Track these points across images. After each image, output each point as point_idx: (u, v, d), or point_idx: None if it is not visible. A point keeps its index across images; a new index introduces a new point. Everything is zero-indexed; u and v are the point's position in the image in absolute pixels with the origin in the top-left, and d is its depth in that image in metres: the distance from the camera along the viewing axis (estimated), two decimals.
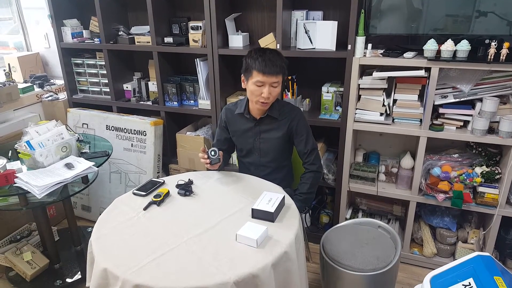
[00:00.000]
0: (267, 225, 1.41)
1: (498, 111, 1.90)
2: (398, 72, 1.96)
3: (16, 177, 1.80)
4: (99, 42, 2.58)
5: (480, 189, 2.01)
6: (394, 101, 2.09)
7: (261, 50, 1.69)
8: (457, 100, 1.96)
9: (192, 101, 2.56)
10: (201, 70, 2.39)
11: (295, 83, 2.26)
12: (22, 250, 2.19)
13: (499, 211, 1.99)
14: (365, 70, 2.16)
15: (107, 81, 2.69)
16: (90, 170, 1.94)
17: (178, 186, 1.74)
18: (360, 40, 2.00)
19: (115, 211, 1.57)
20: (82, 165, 1.94)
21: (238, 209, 1.56)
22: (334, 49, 2.09)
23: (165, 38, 2.44)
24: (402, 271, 2.22)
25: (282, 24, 2.09)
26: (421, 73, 1.92)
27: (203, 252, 1.29)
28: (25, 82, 2.97)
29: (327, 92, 2.25)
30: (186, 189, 1.69)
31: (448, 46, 1.85)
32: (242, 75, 1.74)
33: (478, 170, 2.00)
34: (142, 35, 2.49)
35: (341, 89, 2.20)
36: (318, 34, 2.11)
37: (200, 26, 2.32)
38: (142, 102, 2.66)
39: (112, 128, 2.61)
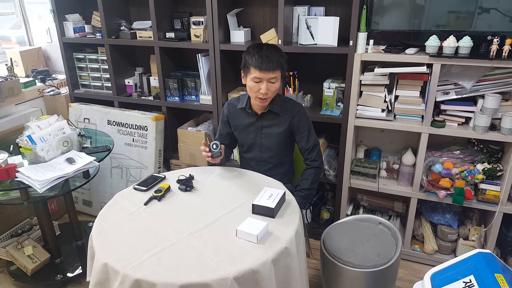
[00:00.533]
0: (267, 220, 1.41)
1: (500, 107, 1.89)
2: (400, 68, 1.95)
3: (18, 171, 1.81)
4: (101, 37, 2.58)
5: (482, 186, 2.01)
6: (396, 97, 2.08)
7: (258, 46, 1.68)
8: (459, 96, 1.95)
9: (193, 97, 2.56)
10: (203, 65, 2.38)
11: (296, 79, 2.25)
12: (23, 245, 2.20)
13: (500, 208, 1.99)
14: (367, 66, 2.15)
15: (108, 76, 2.69)
16: (91, 165, 1.95)
17: (179, 181, 1.74)
18: (362, 36, 1.99)
19: (115, 206, 1.58)
20: (83, 160, 1.94)
21: (238, 204, 1.56)
22: (336, 45, 2.08)
23: (166, 33, 2.43)
24: (402, 268, 2.23)
25: (284, 19, 2.08)
26: (423, 69, 1.91)
27: (203, 247, 1.30)
28: (27, 76, 2.97)
29: (329, 88, 2.24)
30: (187, 184, 1.69)
31: (450, 42, 1.84)
32: (241, 71, 1.74)
33: (479, 167, 1.99)
34: (144, 30, 2.49)
35: (343, 85, 2.19)
36: (320, 30, 2.10)
37: (202, 22, 2.31)
38: (143, 97, 2.66)
39: (114, 123, 2.62)
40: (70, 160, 1.93)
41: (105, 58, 2.64)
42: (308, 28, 2.12)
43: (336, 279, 1.73)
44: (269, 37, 2.20)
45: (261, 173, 1.81)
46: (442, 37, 1.86)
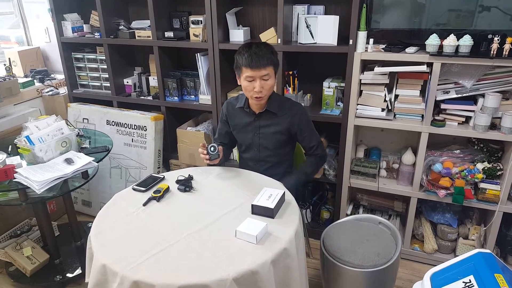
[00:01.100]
0: (267, 221, 1.41)
1: (500, 107, 1.88)
2: (400, 67, 1.94)
3: (16, 172, 1.80)
4: (99, 36, 2.57)
5: (482, 185, 2.00)
6: (396, 96, 2.08)
7: (247, 45, 1.67)
8: (459, 95, 1.94)
9: (192, 96, 2.55)
10: (202, 65, 2.37)
11: (296, 78, 2.24)
12: (22, 245, 2.19)
13: (500, 207, 1.98)
14: (367, 65, 2.14)
15: (107, 76, 2.68)
16: (90, 165, 1.94)
17: (178, 181, 1.73)
18: (362, 35, 1.98)
19: (114, 206, 1.57)
20: (82, 161, 1.94)
21: (238, 205, 1.55)
22: (336, 44, 2.07)
23: (165, 33, 2.42)
24: (402, 267, 2.22)
25: (283, 18, 2.07)
26: (423, 68, 1.90)
27: (202, 248, 1.29)
28: (26, 76, 2.96)
29: (328, 88, 2.23)
30: (186, 184, 1.68)
31: (450, 41, 1.83)
32: (235, 72, 1.74)
33: (479, 166, 1.99)
34: (143, 30, 2.48)
35: (343, 84, 2.19)
36: (320, 29, 2.09)
37: (201, 21, 2.30)
38: (142, 97, 2.65)
39: (113, 123, 2.61)
40: (69, 161, 1.92)
41: (104, 57, 2.63)
42: (307, 27, 2.11)
43: (336, 279, 1.72)
44: (269, 36, 2.19)
45: (260, 172, 1.80)
46: (443, 35, 1.85)
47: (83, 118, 2.71)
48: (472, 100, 1.97)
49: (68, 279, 2.13)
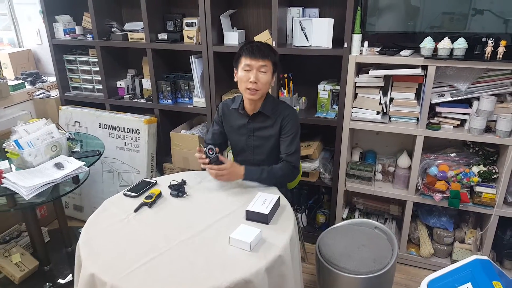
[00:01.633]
0: (261, 227, 1.38)
1: (495, 110, 1.87)
2: (395, 70, 1.92)
3: (4, 177, 1.76)
4: (91, 38, 2.53)
5: (477, 188, 1.99)
6: (391, 99, 2.06)
7: (250, 41, 1.73)
8: (454, 98, 1.93)
9: (186, 99, 2.52)
10: (196, 67, 2.35)
11: (291, 81, 2.22)
12: (10, 252, 2.15)
13: (496, 211, 1.97)
14: (362, 68, 2.13)
15: (100, 78, 2.64)
16: (80, 170, 1.90)
17: (170, 186, 1.70)
18: (357, 38, 1.96)
19: (105, 213, 1.53)
20: (72, 165, 1.90)
21: (231, 210, 1.52)
22: (331, 47, 2.05)
23: (159, 35, 2.39)
24: (398, 272, 2.20)
25: (278, 21, 2.05)
26: (418, 71, 1.89)
27: (195, 255, 1.26)
28: (17, 79, 2.91)
29: (324, 90, 2.21)
30: (178, 190, 1.65)
31: (445, 44, 1.82)
32: (234, 67, 1.73)
33: (475, 169, 1.97)
34: (136, 32, 2.44)
35: (338, 87, 2.17)
36: (314, 32, 2.07)
37: (195, 23, 2.27)
38: (135, 100, 2.61)
39: (105, 126, 2.57)
40: (59, 165, 1.88)
41: (96, 60, 2.59)
42: (302, 29, 2.09)
43: (332, 285, 1.69)
44: (263, 38, 2.16)
45: None
46: (437, 38, 1.84)
47: (75, 121, 2.67)
48: (467, 103, 1.96)
49: (58, 286, 2.08)
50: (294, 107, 2.19)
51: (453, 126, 1.99)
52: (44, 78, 2.98)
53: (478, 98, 1.90)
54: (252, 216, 1.45)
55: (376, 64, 2.03)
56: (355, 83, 2.05)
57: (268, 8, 2.10)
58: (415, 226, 2.31)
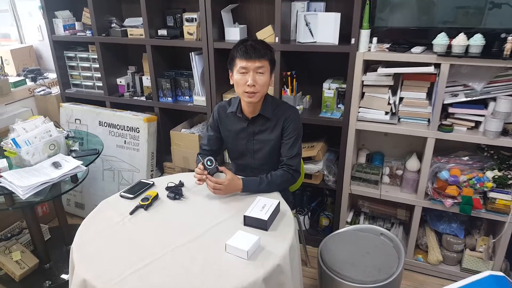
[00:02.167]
0: (259, 234, 1.31)
1: None
2: (406, 69, 1.83)
3: (1, 176, 1.71)
4: (91, 34, 2.47)
5: (491, 194, 1.88)
6: (400, 99, 1.97)
7: (243, 39, 1.61)
8: (469, 99, 1.82)
9: (187, 97, 2.45)
10: (196, 64, 2.27)
11: (294, 79, 2.13)
12: (11, 250, 2.13)
13: (511, 218, 1.86)
14: (370, 66, 2.03)
15: (100, 75, 2.58)
16: (78, 169, 1.85)
17: (167, 188, 1.64)
18: (365, 34, 1.86)
19: (100, 215, 1.48)
20: (70, 164, 1.85)
21: (229, 215, 1.45)
22: (337, 43, 1.96)
23: (158, 31, 2.32)
24: (405, 279, 2.11)
25: (282, 16, 1.96)
26: (430, 69, 1.78)
27: (190, 263, 1.20)
28: (18, 75, 2.87)
29: (329, 89, 2.12)
30: (175, 192, 1.59)
31: (460, 40, 1.72)
32: (229, 70, 1.63)
33: (489, 174, 1.87)
34: (136, 28, 2.38)
35: (344, 85, 2.07)
36: (320, 27, 1.98)
37: (195, 18, 2.20)
38: (136, 98, 2.55)
39: (105, 124, 2.52)
40: (56, 165, 1.83)
41: (96, 56, 2.53)
42: (307, 25, 2.00)
43: None
44: (266, 34, 2.08)
45: None
46: (451, 34, 1.74)
47: (75, 119, 2.62)
48: (483, 104, 1.84)
49: (57, 285, 2.06)
50: (298, 106, 2.12)
51: (467, 128, 1.88)
52: (45, 74, 2.94)
53: (494, 99, 1.79)
54: (250, 222, 1.37)
55: (385, 61, 1.93)
56: (363, 81, 1.96)
57: (271, 2, 2.00)
58: (423, 232, 2.21)
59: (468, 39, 1.70)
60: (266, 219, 1.35)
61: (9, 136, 1.90)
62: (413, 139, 2.12)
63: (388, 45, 1.91)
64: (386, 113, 1.97)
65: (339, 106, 2.14)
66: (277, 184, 1.62)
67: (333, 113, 2.12)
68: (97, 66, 2.57)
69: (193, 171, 1.63)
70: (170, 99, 2.43)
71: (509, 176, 1.84)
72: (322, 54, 2.14)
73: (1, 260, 2.09)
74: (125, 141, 2.47)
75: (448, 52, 1.75)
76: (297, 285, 1.36)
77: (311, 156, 2.14)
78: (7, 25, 3.20)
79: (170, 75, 2.43)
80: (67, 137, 2.05)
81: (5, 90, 2.56)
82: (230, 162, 1.95)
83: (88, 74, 2.68)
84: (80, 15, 2.61)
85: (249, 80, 1.53)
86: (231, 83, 1.63)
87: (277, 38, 2.00)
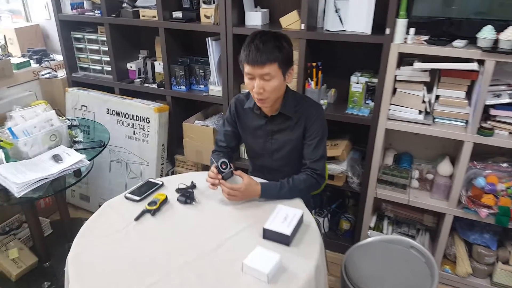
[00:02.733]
0: (280, 249, 1.16)
1: None
2: (446, 64, 1.63)
3: None
4: (100, 14, 2.30)
5: None
6: (436, 97, 1.77)
7: (253, 35, 1.36)
8: None
9: (202, 86, 2.28)
10: (213, 51, 2.09)
11: (320, 71, 1.94)
12: (8, 246, 2.01)
13: None
14: (403, 59, 1.83)
15: (109, 59, 2.42)
16: (80, 164, 1.72)
17: (178, 190, 1.49)
18: (401, 24, 1.66)
19: (101, 219, 1.34)
20: (72, 158, 1.71)
21: (246, 225, 1.30)
22: (369, 33, 1.76)
23: (173, 13, 2.14)
24: None
25: (308, 0, 1.76)
26: (474, 66, 1.59)
27: (201, 282, 1.06)
28: (23, 56, 2.72)
29: (357, 83, 1.93)
30: (186, 195, 1.44)
31: (509, 34, 1.51)
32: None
33: None
34: (148, 9, 2.20)
35: (374, 80, 1.89)
36: (351, 14, 1.78)
37: (213, 0, 2.00)
38: (147, 85, 2.39)
39: (113, 113, 2.37)
40: (57, 158, 1.70)
41: (105, 39, 2.36)
42: (336, 11, 1.80)
43: None
44: (290, 20, 1.88)
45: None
46: (499, 28, 1.53)
47: (82, 105, 2.48)
48: None
49: (57, 286, 1.94)
50: (321, 101, 1.95)
51: (509, 133, 1.69)
52: (52, 56, 2.79)
53: None
54: (270, 236, 1.22)
55: (421, 55, 1.73)
56: (395, 76, 1.77)
57: None
58: (451, 241, 2.05)
59: None
60: (289, 234, 1.20)
61: (6, 124, 1.76)
62: (445, 140, 1.92)
63: (426, 37, 1.71)
64: (420, 112, 1.79)
65: (367, 102, 1.96)
66: (299, 190, 1.46)
67: (361, 110, 1.94)
68: (106, 49, 2.41)
69: (207, 166, 1.47)
70: (183, 87, 2.26)
71: None
72: (352, 44, 1.93)
73: None
74: (134, 131, 2.32)
75: (494, 48, 1.55)
76: None
77: (334, 155, 1.97)
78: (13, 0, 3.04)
79: (184, 62, 2.26)
80: (70, 127, 1.91)
81: (7, 71, 2.41)
82: (246, 158, 1.79)
83: (97, 57, 2.52)
84: None
85: (255, 87, 1.36)
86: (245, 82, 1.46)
87: (302, 25, 1.80)
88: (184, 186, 1.51)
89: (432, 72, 1.74)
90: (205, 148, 2.20)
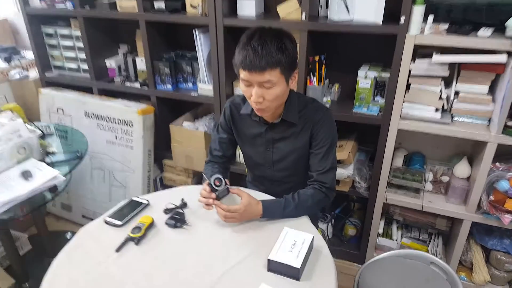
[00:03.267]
0: (289, 285, 0.97)
1: None
2: (471, 57, 1.44)
3: None
4: (72, 7, 2.04)
5: None
6: (456, 93, 1.58)
7: (250, 34, 1.14)
8: None
9: (190, 84, 2.05)
10: (201, 45, 1.86)
11: (323, 66, 1.73)
12: None
13: None
14: (417, 50, 1.62)
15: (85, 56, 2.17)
16: (53, 181, 1.49)
17: (167, 211, 1.29)
18: (418, 11, 1.45)
19: (77, 251, 1.14)
20: (44, 174, 1.49)
21: (248, 252, 1.11)
22: (380, 22, 1.54)
23: (155, 2, 1.90)
24: None
25: None
26: (503, 58, 1.39)
27: None
28: None
29: (365, 78, 1.72)
30: (176, 218, 1.24)
31: None
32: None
33: None
34: None
35: (384, 74, 1.69)
36: (359, 1, 1.56)
37: None
38: (128, 84, 2.15)
39: (92, 116, 2.13)
40: (26, 175, 1.47)
41: (80, 34, 2.11)
42: None
43: None
44: (289, 9, 1.66)
45: (278, 193, 1.34)
46: None
47: (58, 108, 2.23)
48: None
49: None
50: (324, 98, 1.75)
51: None
52: (22, 53, 2.52)
53: None
54: (276, 268, 1.04)
55: (439, 46, 1.52)
56: (410, 70, 1.57)
57: None
58: (467, 246, 1.89)
59: None
60: (299, 266, 1.01)
61: None
62: (461, 139, 1.74)
63: (445, 26, 1.51)
64: (437, 109, 1.60)
65: (375, 99, 1.76)
66: (307, 207, 1.27)
67: (369, 108, 1.74)
68: (82, 45, 2.15)
69: (198, 172, 1.27)
70: (169, 86, 2.03)
71: None
72: (359, 35, 1.73)
73: None
74: (116, 136, 2.09)
75: None
76: None
77: (340, 159, 1.78)
78: None
79: (169, 58, 2.02)
80: (43, 136, 1.68)
81: None
82: (243, 162, 1.58)
83: (72, 54, 2.26)
84: None
85: (253, 96, 1.14)
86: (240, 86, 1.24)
87: (303, 14, 1.58)
88: (173, 206, 1.30)
89: (451, 65, 1.55)
90: (195, 153, 2.00)
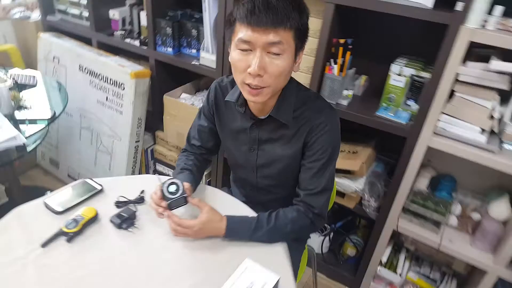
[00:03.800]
0: None
1: None
2: None
3: None
4: None
5: None
6: None
7: None
8: None
9: (194, 50, 1.78)
10: (209, 6, 1.57)
11: (348, 52, 1.40)
12: None
13: None
14: (472, 49, 1.24)
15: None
16: (12, 142, 1.30)
17: (118, 204, 1.07)
18: None
19: (2, 237, 0.95)
20: (2, 133, 1.30)
21: (198, 279, 0.89)
22: (431, 6, 1.18)
23: None
24: None
25: None
26: None
27: None
28: None
29: (399, 75, 1.38)
30: (124, 216, 1.01)
31: None
32: (224, 38, 0.96)
33: None
34: None
35: (424, 74, 1.33)
36: None
37: None
38: (128, 40, 1.90)
39: (86, 71, 1.92)
40: None
41: None
42: None
43: None
44: None
45: (262, 203, 1.12)
46: None
47: (54, 57, 2.04)
48: None
49: None
50: (345, 92, 1.43)
51: None
52: None
53: None
54: None
55: (502, 49, 1.14)
56: (457, 74, 1.21)
57: None
58: None
59: None
60: None
61: None
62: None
63: None
64: (483, 131, 1.24)
65: (408, 103, 1.41)
66: (283, 234, 1.00)
67: (398, 113, 1.40)
68: None
69: None
70: (170, 49, 1.76)
71: None
72: (400, 18, 1.35)
73: None
74: (107, 97, 1.88)
75: None
76: None
77: (350, 169, 1.47)
78: None
79: (174, 17, 1.75)
80: (14, 88, 1.48)
81: None
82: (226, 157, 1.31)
83: None
84: None
85: (252, 64, 0.84)
86: (229, 59, 0.94)
87: None
88: (125, 200, 1.08)
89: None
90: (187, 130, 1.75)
